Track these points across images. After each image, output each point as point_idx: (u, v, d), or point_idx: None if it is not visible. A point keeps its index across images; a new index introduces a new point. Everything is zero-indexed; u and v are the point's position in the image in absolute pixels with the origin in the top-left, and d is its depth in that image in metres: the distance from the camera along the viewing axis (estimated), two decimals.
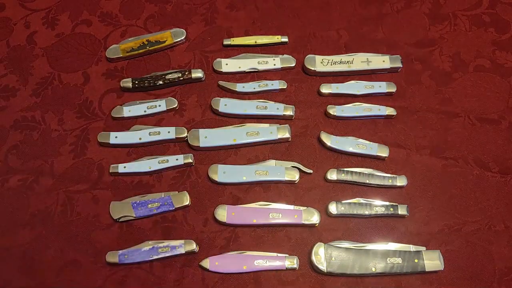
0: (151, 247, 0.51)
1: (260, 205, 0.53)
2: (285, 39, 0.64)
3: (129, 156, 0.58)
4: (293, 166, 0.55)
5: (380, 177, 0.54)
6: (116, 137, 0.57)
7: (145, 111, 0.59)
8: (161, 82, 0.61)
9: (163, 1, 0.68)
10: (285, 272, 0.51)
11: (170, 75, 0.61)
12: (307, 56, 0.62)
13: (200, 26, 0.66)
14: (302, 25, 0.66)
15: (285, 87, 0.61)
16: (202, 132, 0.57)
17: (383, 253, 0.50)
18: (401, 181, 0.54)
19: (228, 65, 0.62)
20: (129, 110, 0.59)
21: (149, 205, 0.53)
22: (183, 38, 0.64)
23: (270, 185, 0.55)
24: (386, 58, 0.61)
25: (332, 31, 0.65)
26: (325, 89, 0.60)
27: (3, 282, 0.51)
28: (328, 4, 0.67)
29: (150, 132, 0.57)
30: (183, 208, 0.54)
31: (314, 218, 0.52)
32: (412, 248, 0.51)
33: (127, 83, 0.61)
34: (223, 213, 0.52)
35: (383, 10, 0.67)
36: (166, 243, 0.51)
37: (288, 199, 0.55)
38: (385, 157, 0.56)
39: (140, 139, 0.57)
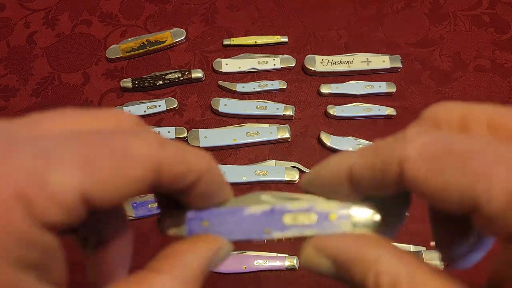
0: None
1: None
2: (285, 39, 0.64)
3: None
4: (293, 166, 0.55)
5: None
6: None
7: (145, 111, 0.59)
8: (161, 82, 0.61)
9: (163, 1, 0.68)
10: (285, 272, 0.51)
11: (170, 75, 0.61)
12: (307, 56, 0.62)
13: (200, 26, 0.66)
14: (302, 25, 0.66)
15: (285, 87, 0.61)
16: (202, 132, 0.57)
17: None
18: None
19: (228, 65, 0.62)
20: (129, 110, 0.59)
21: (149, 205, 0.53)
22: (183, 38, 0.64)
23: (270, 185, 0.55)
24: (386, 58, 0.61)
25: (332, 31, 0.65)
26: (325, 89, 0.60)
27: None
28: (328, 4, 0.67)
29: None
30: None
31: None
32: (412, 248, 0.51)
33: (127, 83, 0.61)
34: None
35: (383, 10, 0.67)
36: None
37: None
38: None
39: None
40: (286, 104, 0.59)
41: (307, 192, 0.22)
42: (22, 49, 0.65)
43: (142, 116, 0.59)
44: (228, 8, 0.67)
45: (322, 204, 0.21)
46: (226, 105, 0.59)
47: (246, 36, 0.65)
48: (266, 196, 0.22)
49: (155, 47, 0.63)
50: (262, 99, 0.60)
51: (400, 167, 0.17)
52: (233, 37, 0.65)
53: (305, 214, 0.21)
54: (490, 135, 0.17)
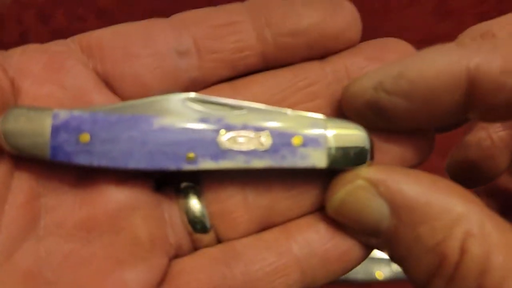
0: None
1: None
2: None
3: None
4: None
5: None
6: None
7: None
8: None
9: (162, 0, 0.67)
10: None
11: None
12: None
13: None
14: None
15: None
16: None
17: (388, 259, 0.49)
18: None
19: None
20: None
21: None
22: None
23: None
24: None
25: None
26: None
27: None
28: None
29: None
30: None
31: None
32: None
33: None
34: None
35: (387, 6, 0.66)
36: None
37: None
38: None
39: None
40: None
41: (389, 92, 0.14)
42: (15, 46, 0.64)
43: None
44: None
45: (282, 119, 0.13)
46: None
47: None
48: (193, 100, 0.14)
49: None
50: None
51: None
52: None
53: (254, 134, 0.13)
54: None
